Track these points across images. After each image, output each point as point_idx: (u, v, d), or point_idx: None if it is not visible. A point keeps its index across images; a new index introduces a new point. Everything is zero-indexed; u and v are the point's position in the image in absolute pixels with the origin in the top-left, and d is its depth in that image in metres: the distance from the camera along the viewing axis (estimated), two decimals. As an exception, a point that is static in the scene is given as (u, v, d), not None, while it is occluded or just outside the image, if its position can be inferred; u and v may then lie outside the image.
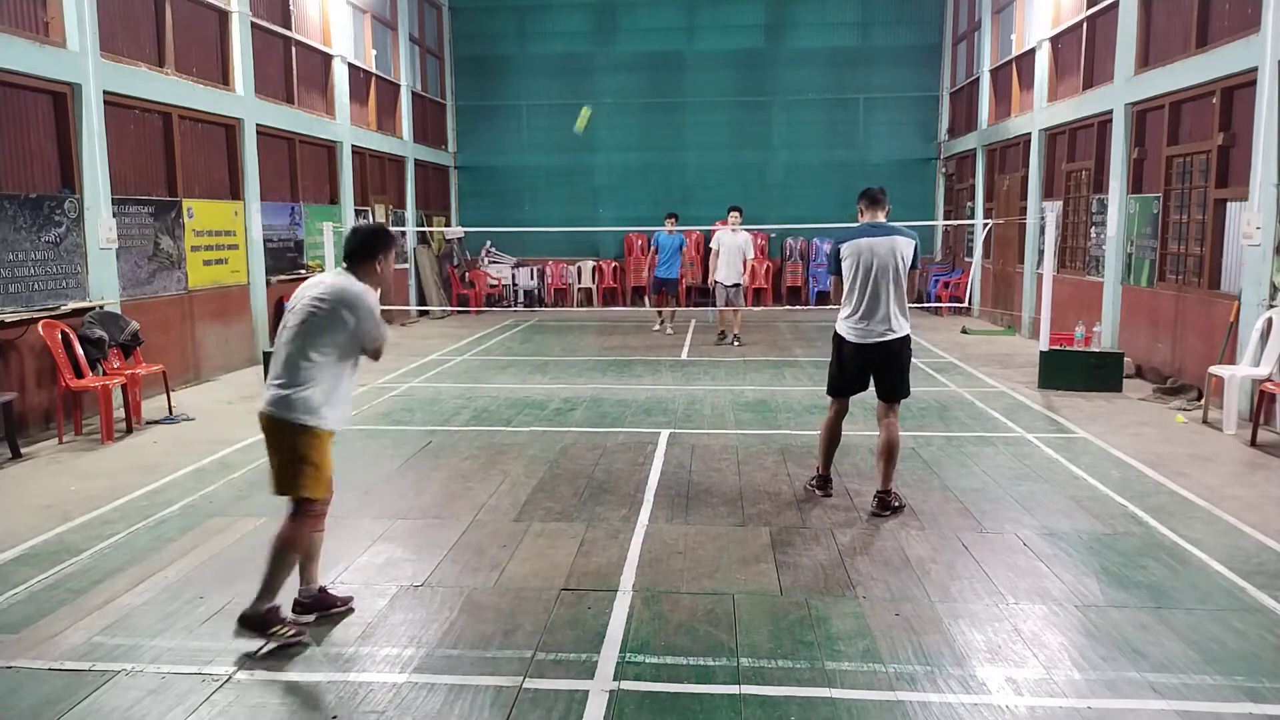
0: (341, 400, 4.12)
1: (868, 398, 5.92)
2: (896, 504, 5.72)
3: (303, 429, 3.99)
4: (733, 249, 12.89)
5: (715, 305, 13.63)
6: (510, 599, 4.47)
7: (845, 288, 5.65)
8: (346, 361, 4.11)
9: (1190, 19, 9.60)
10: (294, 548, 4.09)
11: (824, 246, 18.07)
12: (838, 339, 5.80)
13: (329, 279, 4.13)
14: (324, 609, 4.32)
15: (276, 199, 12.73)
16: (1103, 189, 11.74)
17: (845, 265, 5.63)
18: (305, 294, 4.13)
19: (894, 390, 5.68)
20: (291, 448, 4.02)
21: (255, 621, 3.98)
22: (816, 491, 6.10)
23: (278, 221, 12.72)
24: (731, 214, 13.08)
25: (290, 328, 4.07)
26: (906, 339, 5.66)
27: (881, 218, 5.73)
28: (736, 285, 13.05)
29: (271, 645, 3.95)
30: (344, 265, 4.19)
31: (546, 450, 7.32)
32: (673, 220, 14.16)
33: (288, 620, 4.09)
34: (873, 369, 5.69)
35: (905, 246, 5.58)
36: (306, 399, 3.97)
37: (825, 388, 6.04)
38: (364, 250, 4.16)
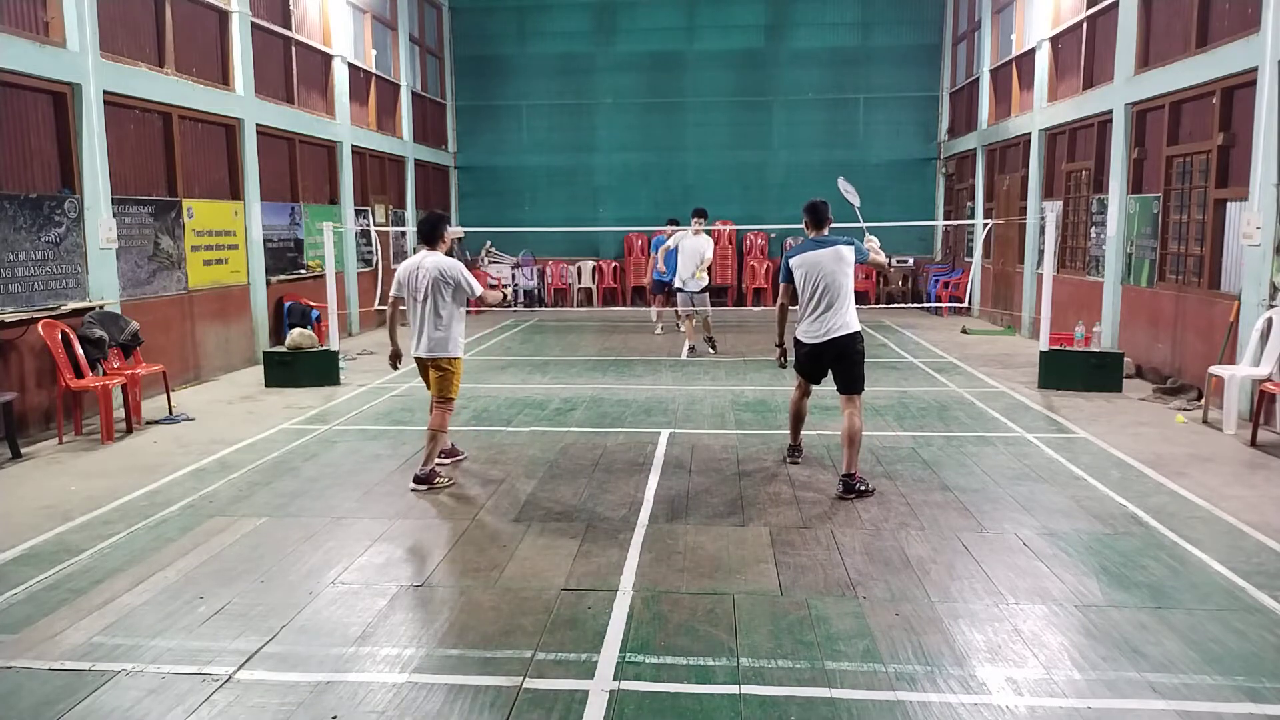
0: (463, 334, 6.41)
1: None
2: (862, 487, 6.04)
3: (455, 358, 6.34)
4: (692, 252, 12.04)
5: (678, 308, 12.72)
6: (510, 599, 4.47)
7: (800, 298, 6.33)
8: (460, 309, 6.33)
9: (1190, 19, 9.59)
10: (444, 428, 6.36)
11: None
12: (796, 341, 6.47)
13: (431, 260, 6.23)
14: (453, 457, 6.89)
15: (276, 199, 12.73)
16: (1103, 189, 11.74)
17: (797, 276, 6.30)
18: (419, 273, 6.21)
19: (849, 383, 6.22)
20: (450, 369, 6.31)
21: (425, 479, 6.19)
22: (786, 459, 6.88)
23: (277, 221, 12.72)
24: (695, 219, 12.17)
25: (422, 301, 6.19)
26: (856, 335, 6.21)
27: (825, 231, 6.38)
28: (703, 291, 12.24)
29: (438, 491, 6.16)
30: (425, 246, 6.34)
31: (546, 450, 7.33)
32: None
33: (441, 473, 6.35)
34: (828, 363, 6.31)
35: (846, 252, 6.23)
36: (455, 339, 6.30)
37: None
38: (435, 232, 6.34)
